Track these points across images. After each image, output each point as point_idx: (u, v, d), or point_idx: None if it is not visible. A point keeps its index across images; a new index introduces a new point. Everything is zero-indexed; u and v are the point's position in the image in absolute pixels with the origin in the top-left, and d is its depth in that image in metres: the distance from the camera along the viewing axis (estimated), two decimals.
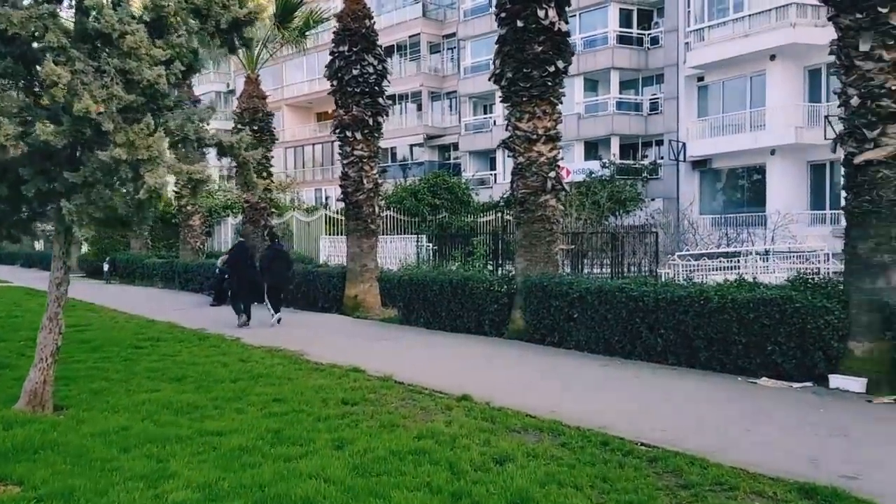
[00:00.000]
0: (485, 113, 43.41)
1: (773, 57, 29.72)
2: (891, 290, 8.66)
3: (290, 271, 17.03)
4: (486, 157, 43.20)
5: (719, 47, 30.94)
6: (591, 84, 38.34)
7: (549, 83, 12.83)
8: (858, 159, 8.86)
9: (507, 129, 13.48)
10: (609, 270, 15.47)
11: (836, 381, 8.89)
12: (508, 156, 13.70)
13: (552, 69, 12.71)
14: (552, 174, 13.06)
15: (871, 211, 8.79)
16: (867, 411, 7.83)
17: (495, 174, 41.33)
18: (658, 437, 6.88)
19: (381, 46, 18.13)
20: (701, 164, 33.85)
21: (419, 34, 45.98)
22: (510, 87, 13.03)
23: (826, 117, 27.85)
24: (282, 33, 22.14)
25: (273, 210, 24.66)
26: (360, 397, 8.65)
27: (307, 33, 22.80)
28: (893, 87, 8.49)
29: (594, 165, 35.13)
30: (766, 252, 23.44)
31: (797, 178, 30.47)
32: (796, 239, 25.06)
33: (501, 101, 13.85)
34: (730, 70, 31.36)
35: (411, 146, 47.10)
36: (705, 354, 10.23)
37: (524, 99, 12.93)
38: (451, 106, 46.04)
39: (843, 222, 9.49)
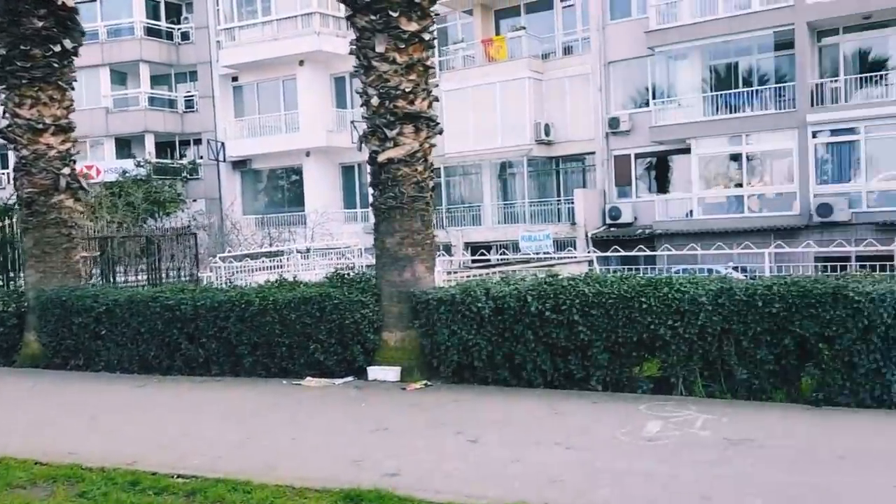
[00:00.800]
0: None
1: (302, 62, 30.85)
2: (416, 281, 9.23)
3: None
4: None
5: (251, 48, 31.04)
6: (120, 76, 35.39)
7: (56, 64, 11.01)
8: (381, 157, 9.25)
9: (5, 117, 11.22)
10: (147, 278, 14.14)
11: (374, 372, 9.18)
12: (9, 148, 11.45)
13: (58, 48, 10.92)
14: (66, 170, 11.26)
15: (395, 206, 9.25)
16: (403, 400, 8.17)
17: (7, 173, 35.50)
18: (199, 464, 6.13)
19: None
20: (241, 165, 33.71)
21: None
22: (5, 65, 10.86)
23: (352, 122, 29.98)
24: None
25: None
26: None
27: None
28: (408, 89, 9.04)
29: (128, 164, 32.57)
30: (308, 250, 24.23)
31: (331, 178, 32.22)
32: (333, 236, 26.43)
33: None
34: (263, 72, 31.71)
35: None
36: (250, 360, 9.77)
37: (24, 81, 10.89)
38: None
39: (373, 219, 9.84)
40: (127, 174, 31.21)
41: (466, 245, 29.21)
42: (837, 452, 5.63)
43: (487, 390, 8.28)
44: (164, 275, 14.30)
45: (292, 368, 9.54)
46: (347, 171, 32.32)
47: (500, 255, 24.94)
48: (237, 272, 14.36)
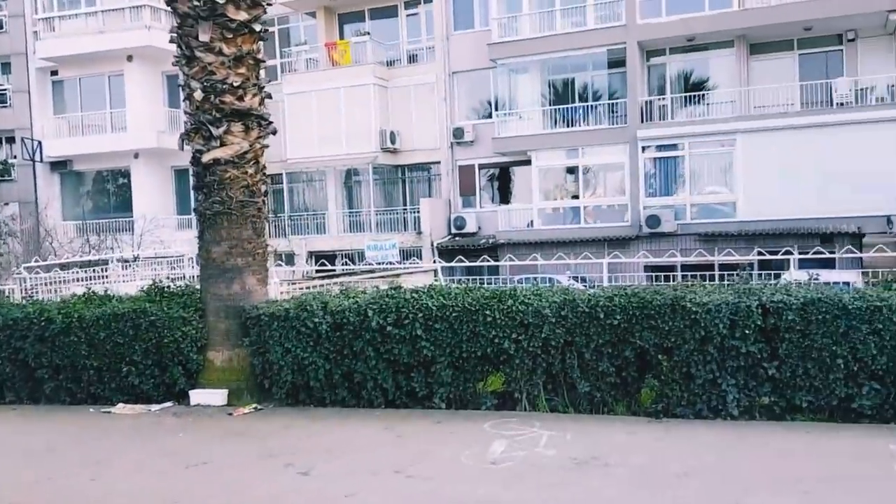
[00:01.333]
0: None
1: (130, 58, 28.75)
2: (247, 294, 8.44)
3: None
4: None
5: (73, 41, 28.51)
6: None
7: None
8: (206, 158, 8.41)
9: None
10: None
11: (197, 396, 8.29)
12: None
13: None
14: None
15: (222, 212, 8.42)
16: (228, 427, 7.37)
17: None
18: None
19: None
20: (61, 166, 30.88)
21: None
22: None
23: (185, 122, 28.27)
24: None
25: None
26: None
27: None
28: (236, 83, 8.27)
29: None
30: (135, 258, 22.46)
31: (163, 182, 30.21)
32: (164, 244, 24.67)
33: None
34: (87, 66, 29.21)
35: None
36: (51, 386, 8.60)
37: None
38: None
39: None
40: None
41: (310, 254, 28.32)
42: (680, 469, 5.52)
43: (324, 413, 7.65)
44: None
45: (102, 394, 8.47)
46: (181, 174, 30.39)
47: (344, 264, 24.36)
48: (50, 283, 12.77)
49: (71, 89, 30.49)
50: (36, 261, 13.78)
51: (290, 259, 28.43)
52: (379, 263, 22.77)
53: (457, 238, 26.25)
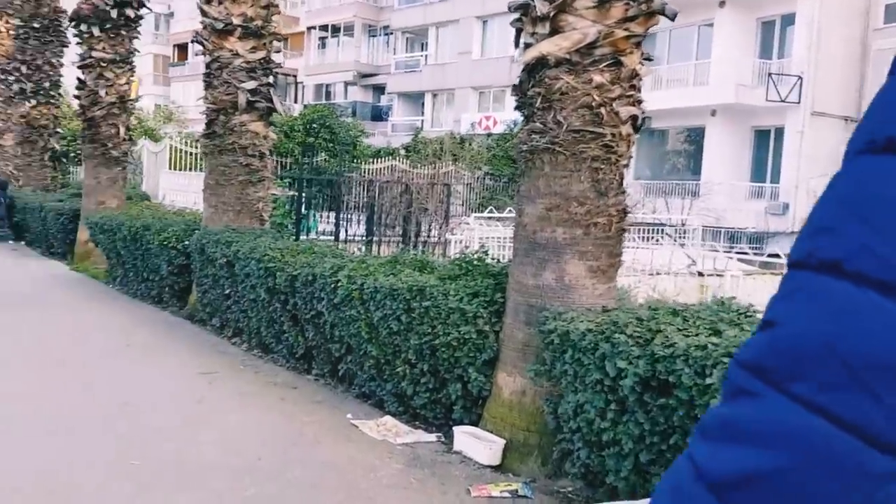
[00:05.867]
0: (420, 49, 38.73)
1: (722, 3, 25.52)
2: (565, 290, 4.81)
3: None
4: (418, 101, 38.85)
5: None
6: None
7: None
8: (527, 56, 5.00)
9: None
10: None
11: (462, 439, 5.14)
12: (198, 54, 9.80)
13: None
14: (251, 84, 9.17)
15: (541, 148, 4.94)
16: None
17: (423, 119, 37.14)
18: None
19: None
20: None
21: None
22: None
23: (770, 74, 23.86)
24: None
25: (57, 130, 20.04)
26: None
27: None
28: None
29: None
30: (683, 225, 20.38)
31: (739, 143, 26.49)
32: (725, 213, 21.56)
33: None
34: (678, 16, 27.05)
35: (346, 84, 42.69)
36: (343, 368, 6.54)
37: None
38: (387, 42, 41.42)
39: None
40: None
41: None
42: None
43: None
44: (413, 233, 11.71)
45: (377, 393, 6.07)
46: (761, 135, 26.17)
47: None
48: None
49: (661, 42, 28.83)
50: (490, 212, 12.17)
51: None
52: None
53: None
